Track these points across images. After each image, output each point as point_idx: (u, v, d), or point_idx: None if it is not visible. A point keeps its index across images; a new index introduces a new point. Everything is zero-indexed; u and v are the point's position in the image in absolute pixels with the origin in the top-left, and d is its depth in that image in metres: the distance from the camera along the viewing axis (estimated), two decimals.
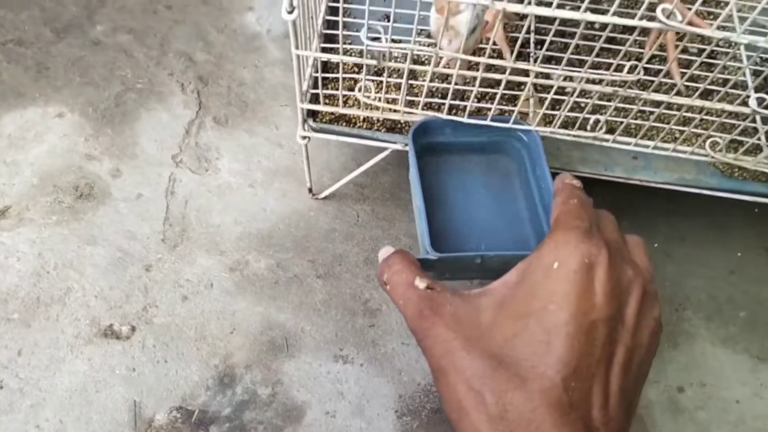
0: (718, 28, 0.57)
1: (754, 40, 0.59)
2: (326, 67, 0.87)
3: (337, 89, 0.80)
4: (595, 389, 0.37)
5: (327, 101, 0.84)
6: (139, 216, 0.96)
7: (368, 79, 0.77)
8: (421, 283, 0.44)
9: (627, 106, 0.83)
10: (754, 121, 0.83)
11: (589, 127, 0.76)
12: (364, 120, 0.84)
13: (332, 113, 0.83)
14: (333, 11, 0.90)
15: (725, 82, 0.88)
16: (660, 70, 0.86)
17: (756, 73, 0.89)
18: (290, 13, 0.64)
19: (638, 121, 0.80)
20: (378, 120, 0.84)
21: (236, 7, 1.20)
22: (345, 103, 0.84)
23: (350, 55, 0.89)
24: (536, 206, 0.67)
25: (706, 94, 0.87)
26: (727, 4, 0.93)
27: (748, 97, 0.70)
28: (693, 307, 0.94)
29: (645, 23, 0.57)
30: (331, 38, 0.88)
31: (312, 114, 0.84)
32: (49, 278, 0.89)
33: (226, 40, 1.15)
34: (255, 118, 1.07)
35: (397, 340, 0.88)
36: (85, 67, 1.09)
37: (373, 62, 0.70)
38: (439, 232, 0.64)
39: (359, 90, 0.74)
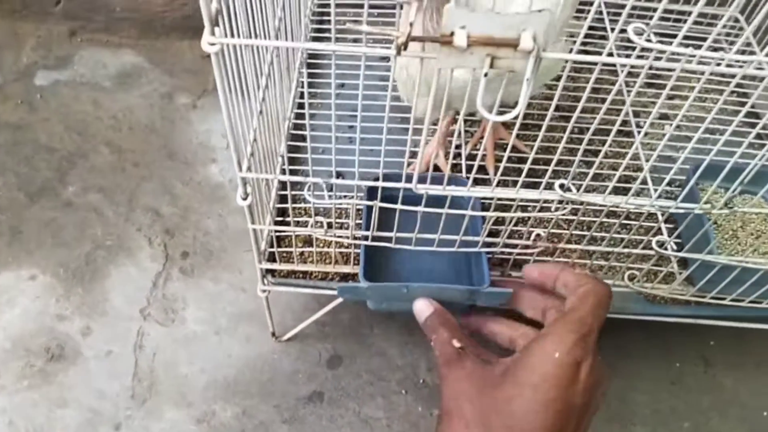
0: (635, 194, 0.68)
1: (665, 207, 0.70)
2: (284, 222, 0.96)
3: (293, 245, 0.88)
4: None
5: (284, 257, 0.91)
6: (109, 373, 1.00)
7: (319, 238, 0.85)
8: (457, 343, 0.62)
9: (553, 246, 0.92)
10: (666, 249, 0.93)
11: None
12: (319, 271, 0.91)
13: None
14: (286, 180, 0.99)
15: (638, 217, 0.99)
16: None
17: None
18: (245, 199, 0.73)
19: (564, 259, 0.89)
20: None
21: (200, 159, 1.30)
22: (301, 255, 0.91)
23: (302, 216, 0.97)
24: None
25: (621, 228, 0.97)
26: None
27: (657, 236, 0.80)
28: (640, 421, 1.00)
29: (546, 194, 0.68)
30: (286, 199, 0.97)
31: (271, 270, 0.91)
32: None
33: (191, 192, 1.24)
34: (219, 265, 1.14)
35: None
36: (57, 229, 1.17)
37: (321, 231, 0.79)
38: (378, 265, 0.79)
39: (314, 244, 0.83)
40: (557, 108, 1.15)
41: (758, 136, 1.14)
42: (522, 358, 0.55)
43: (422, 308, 0.70)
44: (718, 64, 0.53)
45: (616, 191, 0.75)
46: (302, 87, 1.13)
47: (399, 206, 0.71)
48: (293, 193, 0.95)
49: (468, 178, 0.97)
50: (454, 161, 1.03)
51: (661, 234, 0.94)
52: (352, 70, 1.10)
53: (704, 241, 0.84)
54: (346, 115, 1.09)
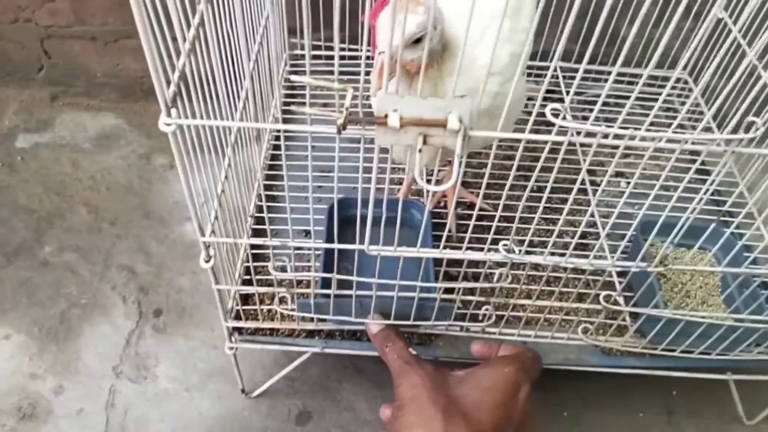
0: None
1: (601, 265, 0.74)
2: (250, 282, 0.99)
3: (260, 302, 0.92)
4: None
5: (251, 314, 0.94)
6: None
7: (283, 295, 0.88)
8: (413, 351, 0.77)
9: (505, 300, 0.96)
10: (617, 303, 0.97)
11: (480, 317, 0.89)
12: (285, 328, 0.94)
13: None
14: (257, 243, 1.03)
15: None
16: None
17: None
18: (207, 262, 0.77)
19: (518, 313, 0.93)
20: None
21: (176, 218, 1.33)
22: (268, 312, 0.94)
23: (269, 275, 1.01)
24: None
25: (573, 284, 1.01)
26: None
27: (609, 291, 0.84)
28: None
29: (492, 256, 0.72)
30: (256, 256, 1.00)
31: (238, 328, 0.94)
32: None
33: (166, 250, 1.28)
34: (192, 322, 1.17)
35: None
36: (33, 288, 1.19)
37: (283, 290, 0.83)
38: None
39: (279, 303, 0.86)
40: (519, 168, 1.22)
41: (712, 200, 1.20)
42: (477, 370, 0.74)
43: (374, 324, 0.83)
44: (632, 138, 0.58)
45: (576, 249, 0.80)
46: (274, 149, 1.18)
47: (354, 281, 0.75)
48: (259, 252, 0.99)
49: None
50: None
51: (614, 289, 0.98)
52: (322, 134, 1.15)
53: (650, 295, 0.88)
54: (317, 176, 1.14)
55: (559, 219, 0.70)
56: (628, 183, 1.20)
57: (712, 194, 1.21)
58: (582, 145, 1.19)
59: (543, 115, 0.57)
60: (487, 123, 0.79)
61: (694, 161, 1.23)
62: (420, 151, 0.57)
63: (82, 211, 1.34)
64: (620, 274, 1.00)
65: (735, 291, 0.95)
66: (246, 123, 0.72)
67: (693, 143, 0.59)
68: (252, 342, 0.94)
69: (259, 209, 1.06)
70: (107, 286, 1.21)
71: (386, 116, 0.55)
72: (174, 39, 0.58)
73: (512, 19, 0.80)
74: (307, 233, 1.06)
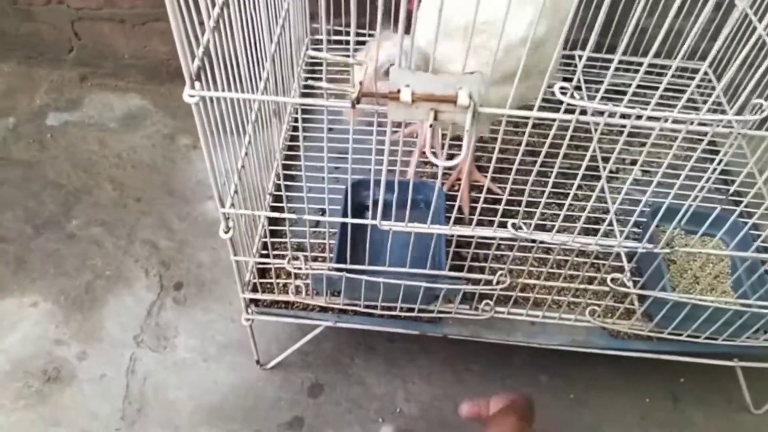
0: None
1: (608, 246, 0.76)
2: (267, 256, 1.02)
3: (276, 276, 0.95)
4: None
5: (268, 287, 0.97)
6: (102, 396, 1.05)
7: (298, 269, 0.91)
8: None
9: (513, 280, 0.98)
10: (624, 285, 0.99)
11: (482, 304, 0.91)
12: (299, 302, 0.97)
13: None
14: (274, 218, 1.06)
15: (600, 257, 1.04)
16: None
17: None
18: (226, 233, 0.80)
19: (526, 294, 0.94)
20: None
21: (198, 197, 1.37)
22: (284, 286, 0.97)
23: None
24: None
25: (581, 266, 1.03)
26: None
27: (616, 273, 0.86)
28: None
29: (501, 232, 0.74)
30: (273, 233, 1.04)
31: (254, 300, 0.97)
32: None
33: (188, 227, 1.32)
34: (211, 296, 1.21)
35: None
36: (60, 259, 1.24)
37: (299, 263, 0.85)
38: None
39: (294, 278, 0.89)
40: (532, 153, 1.24)
41: (722, 181, 1.21)
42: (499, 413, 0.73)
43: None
44: (639, 118, 0.60)
45: (585, 231, 0.81)
46: (293, 130, 1.21)
47: (364, 277, 0.78)
48: (276, 228, 1.02)
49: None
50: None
51: (623, 272, 1.00)
52: (341, 115, 1.18)
53: (658, 278, 0.89)
54: (334, 157, 1.16)
55: (567, 201, 0.72)
56: (644, 171, 1.22)
57: (725, 182, 1.21)
58: (597, 131, 1.20)
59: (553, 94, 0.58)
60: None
61: (711, 151, 1.25)
62: (431, 126, 0.60)
63: (108, 188, 1.38)
64: (630, 258, 1.01)
65: (743, 276, 0.96)
66: (264, 96, 0.75)
67: (700, 124, 0.60)
68: (268, 314, 0.97)
69: (278, 187, 1.09)
70: (131, 260, 1.25)
71: (399, 91, 0.58)
72: (200, 18, 0.61)
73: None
74: (323, 212, 1.09)
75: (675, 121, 0.60)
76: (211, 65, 0.67)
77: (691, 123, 0.59)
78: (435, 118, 0.59)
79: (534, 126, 0.92)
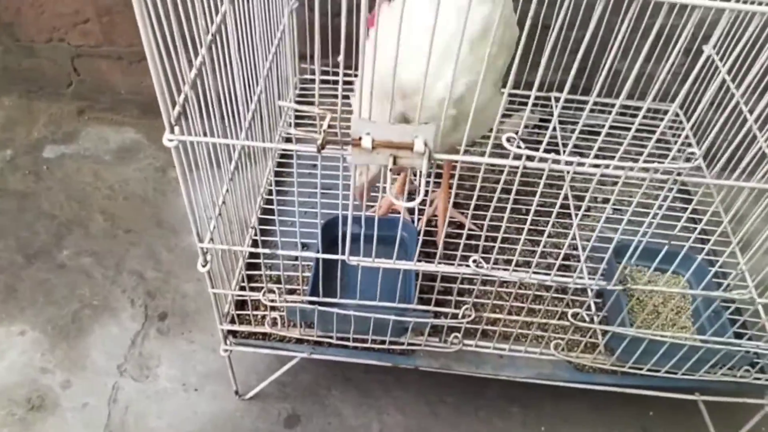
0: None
1: (585, 284, 0.80)
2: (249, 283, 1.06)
3: (255, 308, 0.99)
4: None
5: (245, 319, 1.01)
6: (84, 424, 1.08)
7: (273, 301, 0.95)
8: None
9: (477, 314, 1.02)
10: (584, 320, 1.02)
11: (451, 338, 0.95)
12: (276, 334, 1.01)
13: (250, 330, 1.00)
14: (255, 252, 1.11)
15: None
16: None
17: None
18: (204, 266, 0.84)
19: (492, 327, 0.98)
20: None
21: (186, 229, 1.42)
22: (263, 318, 1.01)
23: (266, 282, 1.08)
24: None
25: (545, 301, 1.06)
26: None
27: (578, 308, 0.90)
28: None
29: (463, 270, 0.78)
30: (253, 265, 1.08)
31: (232, 331, 1.01)
32: None
33: (175, 258, 1.36)
34: (194, 326, 1.24)
35: None
36: (50, 289, 1.27)
37: (274, 296, 0.89)
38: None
39: (270, 322, 0.93)
40: (508, 191, 1.29)
41: (691, 220, 1.25)
42: None
43: None
44: (581, 165, 0.65)
45: (559, 268, 0.85)
46: (279, 166, 1.26)
47: (337, 310, 0.82)
48: (256, 261, 1.06)
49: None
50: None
51: (590, 307, 1.03)
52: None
53: (618, 313, 0.93)
54: (314, 192, 1.21)
55: (521, 237, 0.77)
56: (616, 210, 1.27)
57: (694, 220, 1.26)
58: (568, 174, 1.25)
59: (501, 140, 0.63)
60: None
61: (682, 191, 1.30)
62: (391, 170, 0.65)
63: (99, 219, 1.43)
64: (597, 294, 1.05)
65: (701, 311, 0.99)
66: (237, 141, 0.79)
67: (639, 170, 0.64)
68: (245, 345, 1.01)
69: (261, 221, 1.13)
70: (118, 290, 1.29)
71: (360, 138, 0.63)
72: (189, 56, 0.67)
73: (472, 52, 0.84)
74: (305, 246, 1.14)
75: (616, 168, 0.64)
76: (199, 105, 0.72)
77: (631, 169, 0.64)
78: (394, 163, 0.64)
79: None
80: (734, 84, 1.16)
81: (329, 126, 0.62)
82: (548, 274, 0.80)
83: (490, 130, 1.01)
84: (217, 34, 0.78)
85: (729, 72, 1.20)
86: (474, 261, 0.78)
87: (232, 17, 0.75)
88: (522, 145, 0.62)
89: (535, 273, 0.79)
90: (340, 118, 0.62)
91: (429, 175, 0.68)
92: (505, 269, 0.79)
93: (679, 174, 0.64)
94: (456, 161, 0.65)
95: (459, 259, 0.78)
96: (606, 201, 1.29)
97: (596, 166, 0.63)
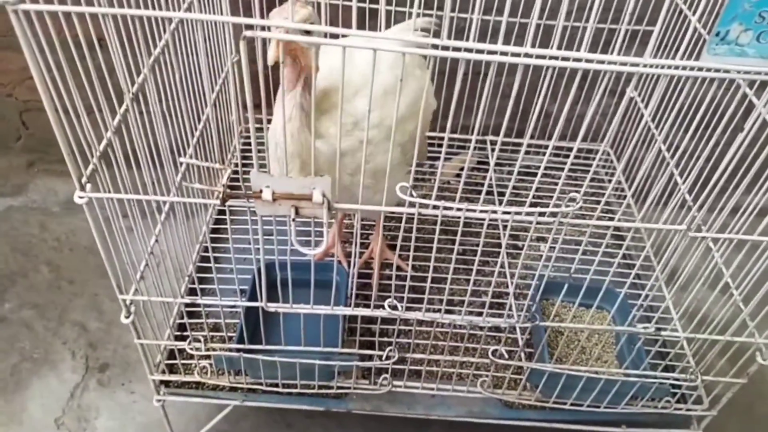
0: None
1: (495, 322, 0.83)
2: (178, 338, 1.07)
3: (189, 357, 0.99)
4: None
5: (176, 369, 1.02)
6: None
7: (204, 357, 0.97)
8: None
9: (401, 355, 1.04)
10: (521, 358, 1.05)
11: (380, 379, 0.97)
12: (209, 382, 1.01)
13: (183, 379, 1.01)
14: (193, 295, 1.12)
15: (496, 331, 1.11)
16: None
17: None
18: (127, 318, 0.85)
19: (417, 367, 1.00)
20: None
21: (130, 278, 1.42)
22: (192, 367, 1.02)
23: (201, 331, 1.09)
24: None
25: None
26: None
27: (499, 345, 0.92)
28: None
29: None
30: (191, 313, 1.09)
31: (165, 381, 1.01)
32: None
33: (118, 308, 1.34)
34: (135, 376, 1.24)
35: None
36: None
37: (200, 345, 0.91)
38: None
39: (201, 370, 0.94)
40: (446, 231, 1.33)
41: (624, 256, 1.30)
42: None
43: None
44: (472, 211, 0.68)
45: (491, 306, 0.89)
46: (219, 213, 1.29)
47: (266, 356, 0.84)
48: (191, 310, 1.08)
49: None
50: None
51: (517, 343, 1.06)
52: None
53: (540, 349, 0.96)
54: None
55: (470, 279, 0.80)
56: (551, 248, 1.31)
57: (630, 256, 1.30)
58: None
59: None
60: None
61: (617, 234, 1.34)
62: (294, 220, 0.68)
63: (44, 270, 1.43)
64: (523, 331, 1.08)
65: (624, 347, 1.03)
66: (144, 196, 0.82)
67: (525, 214, 0.68)
68: (178, 395, 1.01)
69: (200, 269, 1.15)
70: (59, 342, 1.29)
71: (261, 191, 0.66)
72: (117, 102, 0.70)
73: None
74: (243, 292, 1.15)
75: (504, 212, 0.68)
76: (116, 157, 0.75)
77: (519, 213, 0.68)
78: (297, 213, 0.68)
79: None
80: (656, 126, 1.23)
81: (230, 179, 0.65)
82: (480, 314, 0.83)
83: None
84: (139, 92, 0.81)
85: (653, 112, 1.28)
86: (389, 304, 0.81)
87: (152, 81, 0.79)
88: (414, 194, 0.66)
89: (447, 313, 0.82)
90: (242, 172, 0.66)
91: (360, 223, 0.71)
92: (419, 311, 0.82)
93: (564, 217, 0.68)
94: (355, 210, 0.69)
95: (394, 299, 0.81)
96: (540, 240, 1.34)
97: (484, 211, 0.67)
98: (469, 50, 0.54)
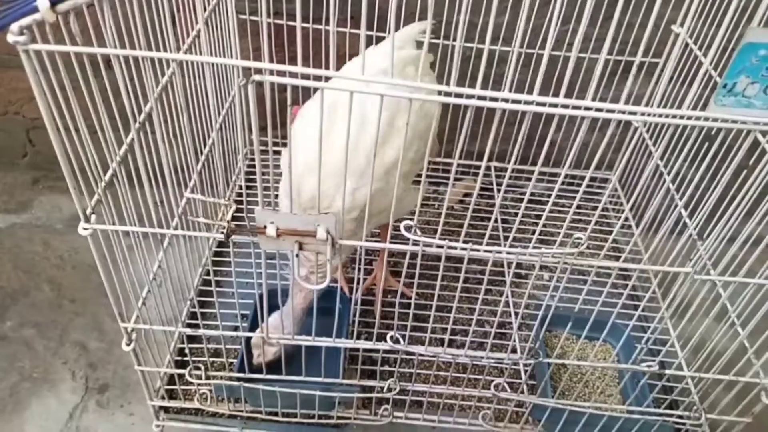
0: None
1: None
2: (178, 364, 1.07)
3: (189, 383, 0.99)
4: None
5: (176, 395, 1.01)
6: None
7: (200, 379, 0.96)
8: None
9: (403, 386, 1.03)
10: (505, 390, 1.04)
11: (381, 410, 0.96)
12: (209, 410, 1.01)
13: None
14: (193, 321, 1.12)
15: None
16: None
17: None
18: (128, 345, 0.85)
19: (419, 398, 0.99)
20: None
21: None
22: (197, 393, 1.01)
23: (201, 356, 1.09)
24: None
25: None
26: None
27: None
28: None
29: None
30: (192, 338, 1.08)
31: (164, 407, 1.01)
32: None
33: (119, 328, 1.35)
34: (134, 398, 1.23)
35: None
36: None
37: (199, 373, 0.90)
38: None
39: (200, 396, 0.94)
40: (448, 258, 1.32)
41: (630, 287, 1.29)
42: None
43: None
44: (476, 251, 0.68)
45: (495, 336, 0.88)
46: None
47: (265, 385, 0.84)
48: (195, 334, 1.07)
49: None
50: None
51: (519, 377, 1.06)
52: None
53: (543, 385, 0.96)
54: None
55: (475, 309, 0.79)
56: (556, 286, 1.30)
57: (634, 289, 1.30)
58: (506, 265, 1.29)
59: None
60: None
61: (616, 258, 1.34)
62: (297, 256, 0.68)
63: (46, 289, 1.43)
64: (526, 365, 1.07)
65: (628, 382, 1.02)
66: (153, 229, 0.82)
67: (529, 255, 0.68)
68: (177, 420, 1.01)
69: (200, 293, 1.15)
70: (59, 361, 1.28)
71: (265, 227, 0.66)
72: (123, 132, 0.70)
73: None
74: (244, 317, 1.15)
75: (508, 253, 0.68)
76: (123, 186, 0.75)
77: (522, 254, 0.68)
78: (300, 248, 0.68)
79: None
80: (665, 165, 1.22)
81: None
82: (483, 346, 0.82)
83: (412, 213, 1.06)
84: (146, 121, 0.82)
85: (662, 154, 1.27)
86: (391, 337, 0.81)
87: (158, 114, 0.80)
88: (419, 232, 0.66)
89: (450, 346, 0.81)
90: (246, 209, 0.66)
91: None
92: (421, 345, 0.81)
93: (568, 257, 0.67)
94: (359, 245, 0.69)
95: (397, 330, 0.80)
96: (543, 268, 1.33)
97: (489, 251, 0.67)
98: (480, 97, 0.54)
